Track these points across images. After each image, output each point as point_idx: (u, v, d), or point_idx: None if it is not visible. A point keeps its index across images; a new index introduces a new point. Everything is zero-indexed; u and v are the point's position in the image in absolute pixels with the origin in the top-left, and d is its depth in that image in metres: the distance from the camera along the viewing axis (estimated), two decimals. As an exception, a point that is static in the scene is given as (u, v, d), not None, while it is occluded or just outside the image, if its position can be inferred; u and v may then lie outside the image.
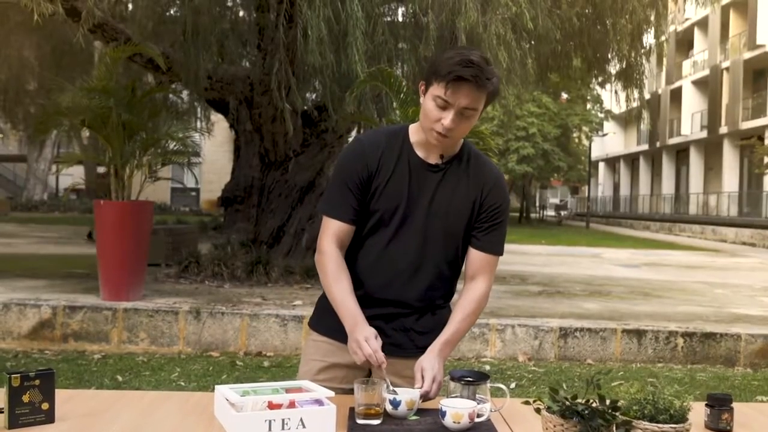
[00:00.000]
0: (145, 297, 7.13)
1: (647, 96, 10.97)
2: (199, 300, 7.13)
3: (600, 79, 10.64)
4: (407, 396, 1.91)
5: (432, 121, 2.07)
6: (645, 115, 10.20)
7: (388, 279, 2.20)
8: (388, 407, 1.89)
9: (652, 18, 9.15)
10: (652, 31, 9.33)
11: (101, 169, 25.12)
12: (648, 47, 9.50)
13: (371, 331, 2.06)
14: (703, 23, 38.05)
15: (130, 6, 11.48)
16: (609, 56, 9.77)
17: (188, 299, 7.12)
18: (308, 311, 7.02)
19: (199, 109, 15.61)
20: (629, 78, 9.72)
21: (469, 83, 2.00)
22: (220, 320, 6.49)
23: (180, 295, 7.45)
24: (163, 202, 34.22)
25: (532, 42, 8.33)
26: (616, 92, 10.02)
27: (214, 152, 37.43)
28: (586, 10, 8.74)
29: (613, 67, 10.18)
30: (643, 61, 9.39)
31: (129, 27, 9.45)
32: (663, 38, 10.10)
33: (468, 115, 2.06)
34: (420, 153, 2.18)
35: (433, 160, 2.18)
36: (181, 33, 8.00)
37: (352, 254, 2.23)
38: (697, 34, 38.93)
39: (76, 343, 6.45)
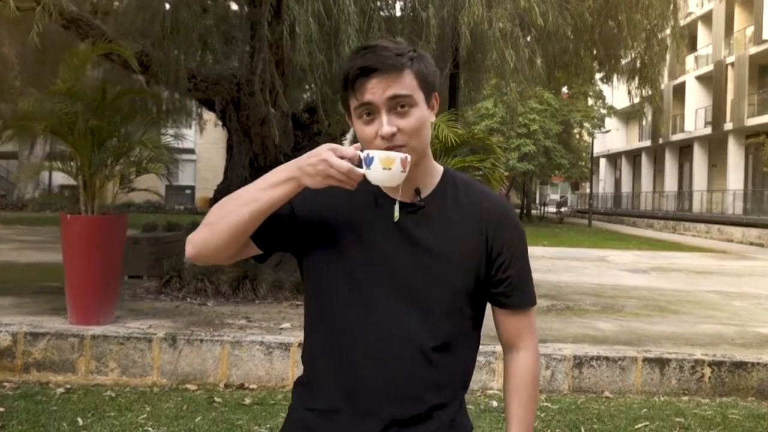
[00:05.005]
0: (118, 319, 6.52)
1: (641, 93, 10.36)
2: (177, 322, 6.51)
3: (613, 76, 9.99)
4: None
5: (370, 142, 1.56)
6: (658, 112, 9.53)
7: (374, 372, 1.61)
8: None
9: (669, 13, 8.52)
10: (669, 25, 8.70)
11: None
12: (664, 43, 8.84)
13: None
14: (707, 18, 37.40)
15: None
16: (622, 53, 9.13)
17: (166, 322, 6.50)
18: (296, 336, 6.43)
19: (193, 107, 14.96)
20: (644, 76, 9.09)
21: (375, 71, 1.54)
22: (199, 348, 5.87)
23: (158, 315, 6.83)
24: (157, 201, 33.51)
25: (541, 39, 7.69)
26: (629, 92, 9.41)
27: (208, 149, 36.87)
28: (598, 5, 8.10)
29: (627, 64, 9.53)
30: (658, 58, 8.74)
31: (110, 22, 8.83)
32: (677, 32, 9.46)
33: (404, 107, 1.54)
34: (389, 192, 1.64)
35: (407, 197, 1.62)
36: (160, 29, 7.35)
37: (318, 354, 1.68)
38: (701, 29, 38.26)
39: (38, 374, 5.82)
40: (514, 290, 1.68)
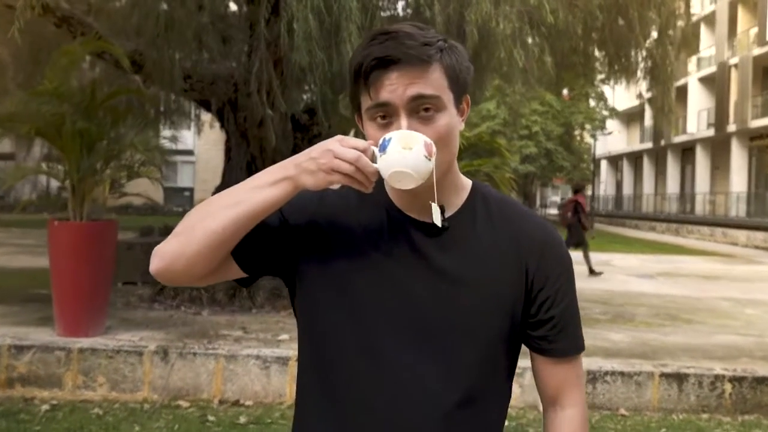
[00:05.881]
0: (108, 330, 6.22)
1: (651, 94, 10.09)
2: (170, 333, 6.21)
3: (623, 76, 9.67)
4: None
5: None
6: (669, 113, 9.20)
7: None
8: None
9: (681, 11, 8.23)
10: (681, 24, 8.40)
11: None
12: (676, 42, 8.52)
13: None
14: (709, 19, 37.12)
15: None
16: (633, 52, 8.82)
17: (158, 333, 6.20)
18: (295, 348, 6.12)
19: (191, 108, 14.70)
20: (655, 76, 8.78)
21: (396, 63, 1.23)
22: (192, 362, 5.56)
23: (150, 326, 6.53)
24: (155, 203, 33.21)
25: (550, 37, 7.40)
26: (640, 93, 9.11)
27: (207, 151, 36.59)
28: (609, 2, 7.80)
29: (638, 64, 9.22)
30: (672, 58, 8.43)
31: (103, 20, 8.54)
32: (689, 31, 9.16)
33: (428, 111, 1.22)
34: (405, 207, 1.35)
35: (428, 215, 1.31)
36: (154, 27, 7.06)
37: (311, 409, 1.37)
38: (704, 30, 37.96)
39: (23, 389, 5.52)
40: (558, 334, 1.37)
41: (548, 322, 1.36)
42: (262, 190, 1.23)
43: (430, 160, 1.19)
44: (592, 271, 13.36)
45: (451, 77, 1.27)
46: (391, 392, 1.28)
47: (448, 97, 1.27)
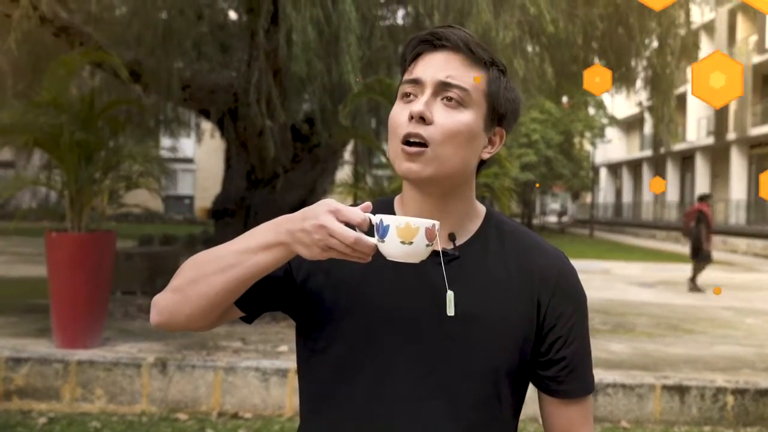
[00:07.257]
0: (107, 341, 6.19)
1: (651, 103, 10.05)
2: (169, 345, 6.17)
3: (623, 85, 9.65)
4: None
5: (395, 130, 1.20)
6: (670, 122, 9.15)
7: None
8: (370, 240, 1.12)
9: (681, 21, 8.22)
10: (681, 33, 8.39)
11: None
12: (676, 50, 8.49)
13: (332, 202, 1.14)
14: (709, 27, 37.14)
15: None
16: (633, 61, 8.81)
17: (156, 344, 6.16)
18: (294, 360, 6.09)
19: (191, 117, 14.70)
20: (656, 85, 8.76)
21: (446, 48, 1.22)
22: (190, 374, 5.53)
23: (149, 337, 6.49)
24: (156, 210, 33.16)
25: (550, 47, 7.39)
26: (640, 102, 9.10)
27: (208, 159, 36.58)
28: (609, 12, 7.79)
29: (638, 73, 9.21)
30: (672, 67, 8.41)
31: (103, 30, 8.52)
32: (690, 40, 9.13)
33: (452, 101, 1.17)
34: None
35: (439, 243, 1.22)
36: (153, 36, 7.05)
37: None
38: (703, 39, 37.99)
39: (20, 401, 5.48)
40: (568, 375, 1.32)
41: (559, 363, 1.32)
42: (257, 254, 1.17)
43: (431, 244, 1.13)
44: (694, 284, 12.91)
45: (492, 93, 1.24)
46: (390, 426, 1.25)
47: (478, 102, 1.23)
